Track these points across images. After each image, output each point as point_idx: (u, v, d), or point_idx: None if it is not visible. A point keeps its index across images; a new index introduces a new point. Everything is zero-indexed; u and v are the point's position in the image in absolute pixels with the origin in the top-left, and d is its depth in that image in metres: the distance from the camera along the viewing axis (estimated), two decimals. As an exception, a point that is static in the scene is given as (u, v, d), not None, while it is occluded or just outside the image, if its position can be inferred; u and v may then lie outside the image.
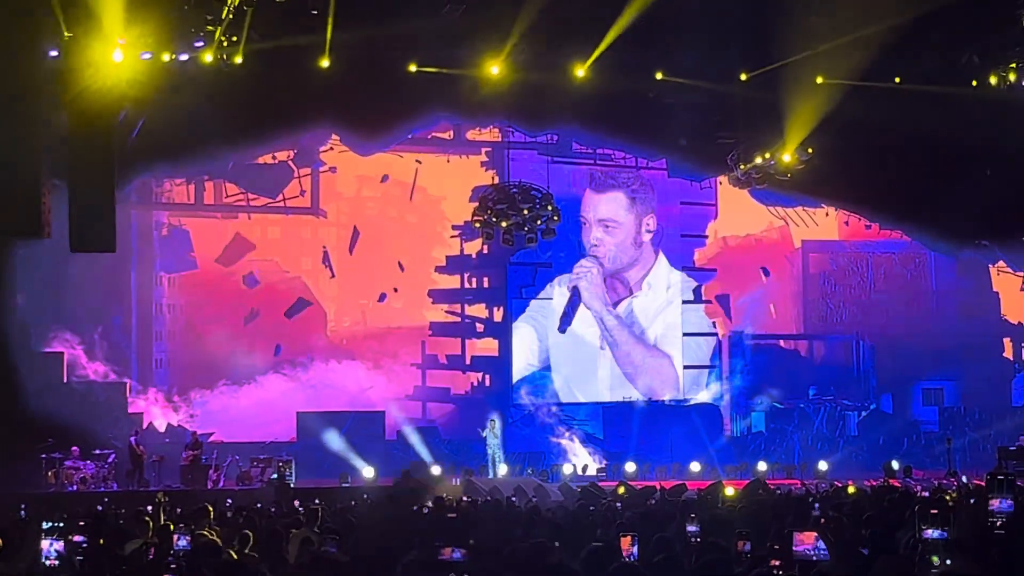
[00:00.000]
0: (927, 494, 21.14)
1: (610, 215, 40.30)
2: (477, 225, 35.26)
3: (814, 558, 6.83)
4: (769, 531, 12.06)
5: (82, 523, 6.27)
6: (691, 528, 10.22)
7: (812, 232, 44.52)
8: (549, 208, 34.67)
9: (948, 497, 17.91)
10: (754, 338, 42.42)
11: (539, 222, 34.62)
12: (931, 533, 6.43)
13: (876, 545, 10.06)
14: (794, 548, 6.99)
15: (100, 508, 24.22)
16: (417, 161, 43.53)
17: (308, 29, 28.36)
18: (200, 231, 42.80)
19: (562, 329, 39.79)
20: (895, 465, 33.66)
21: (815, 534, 7.04)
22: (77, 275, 35.74)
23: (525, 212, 34.32)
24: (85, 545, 6.78)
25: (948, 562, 6.36)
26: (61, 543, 6.46)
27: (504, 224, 34.36)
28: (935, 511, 6.57)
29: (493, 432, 34.93)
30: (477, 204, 35.17)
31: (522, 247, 36.18)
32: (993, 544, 6.38)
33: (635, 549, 8.65)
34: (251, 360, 41.16)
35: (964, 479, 26.81)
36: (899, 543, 10.00)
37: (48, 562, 6.63)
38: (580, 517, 16.25)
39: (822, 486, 27.12)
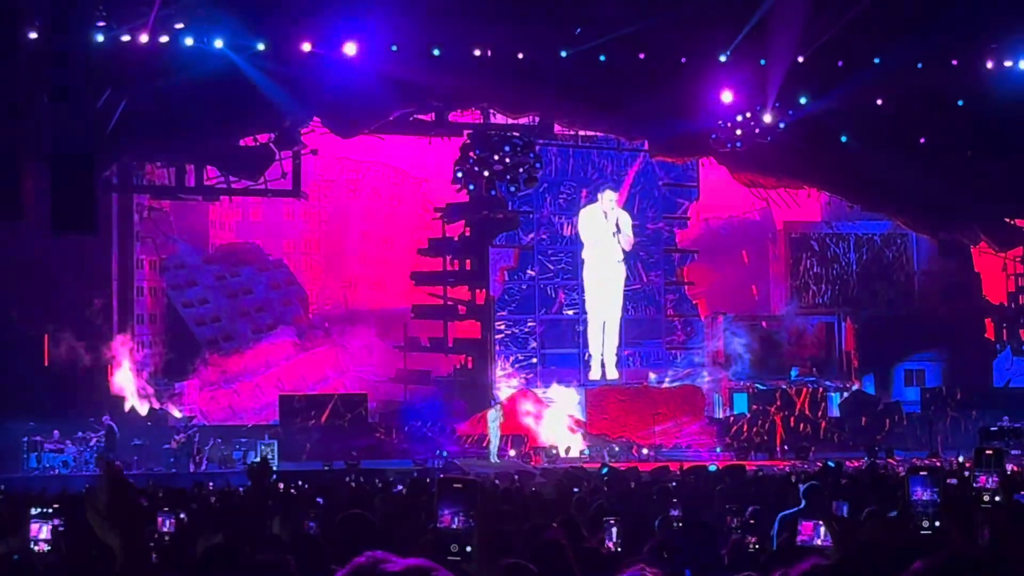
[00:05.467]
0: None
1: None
2: (459, 175, 34.96)
3: (818, 543, 6.73)
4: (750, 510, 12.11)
5: (56, 505, 6.20)
6: (673, 512, 10.20)
7: (794, 213, 44.42)
8: (531, 155, 34.44)
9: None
10: (736, 319, 42.38)
11: (521, 169, 34.35)
12: (921, 495, 6.31)
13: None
14: (798, 537, 6.88)
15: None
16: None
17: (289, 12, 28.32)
18: (181, 214, 42.62)
19: None
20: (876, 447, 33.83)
21: (817, 522, 6.94)
22: (58, 258, 35.53)
23: (507, 159, 34.04)
24: (63, 528, 6.71)
25: (938, 524, 6.24)
26: (48, 526, 6.38)
27: (486, 172, 34.10)
28: (924, 473, 6.44)
29: (500, 415, 34.45)
30: (459, 155, 34.94)
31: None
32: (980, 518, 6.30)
33: (617, 532, 8.60)
34: (233, 344, 41.08)
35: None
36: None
37: (37, 547, 6.55)
38: (565, 498, 16.23)
39: (805, 466, 27.19)
